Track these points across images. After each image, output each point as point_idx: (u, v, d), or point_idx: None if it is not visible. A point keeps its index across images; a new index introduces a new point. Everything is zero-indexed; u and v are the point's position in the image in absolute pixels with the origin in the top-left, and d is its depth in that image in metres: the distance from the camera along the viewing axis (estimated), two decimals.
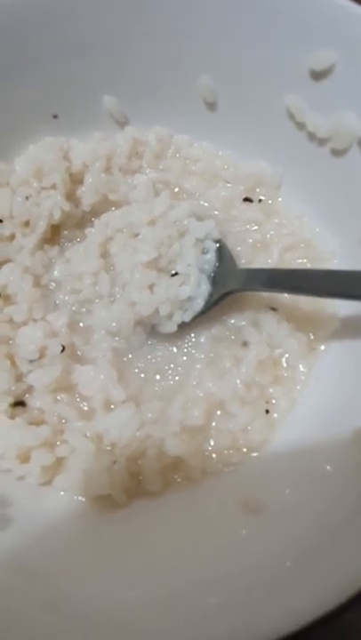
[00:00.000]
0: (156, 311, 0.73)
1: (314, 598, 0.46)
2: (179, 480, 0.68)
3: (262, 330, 0.76)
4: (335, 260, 0.80)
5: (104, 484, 0.64)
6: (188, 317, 0.74)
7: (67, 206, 0.77)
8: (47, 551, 0.59)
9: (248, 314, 0.77)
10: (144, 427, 0.68)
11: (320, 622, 0.45)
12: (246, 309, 0.77)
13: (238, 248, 0.81)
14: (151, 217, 0.76)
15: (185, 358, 0.76)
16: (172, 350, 0.76)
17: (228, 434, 0.70)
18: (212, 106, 0.83)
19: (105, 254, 0.77)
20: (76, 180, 0.81)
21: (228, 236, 0.80)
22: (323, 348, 0.76)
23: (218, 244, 0.77)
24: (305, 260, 0.81)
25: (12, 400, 0.70)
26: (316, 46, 0.68)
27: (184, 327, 0.75)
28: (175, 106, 0.84)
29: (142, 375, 0.75)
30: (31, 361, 0.71)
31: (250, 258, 0.80)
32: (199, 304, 0.74)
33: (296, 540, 0.55)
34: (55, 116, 0.83)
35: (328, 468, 0.62)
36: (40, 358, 0.71)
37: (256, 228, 0.83)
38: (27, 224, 0.77)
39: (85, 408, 0.71)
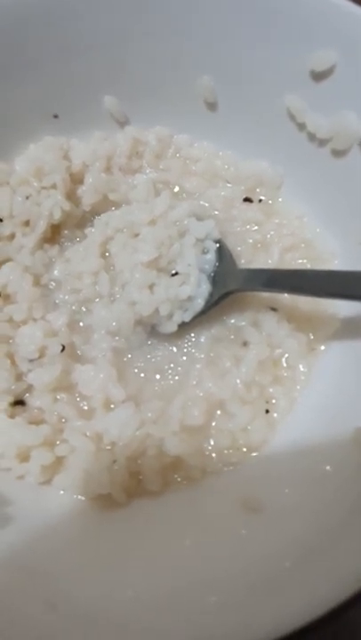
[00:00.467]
0: (156, 311, 0.73)
1: (313, 598, 0.46)
2: (178, 479, 0.68)
3: (262, 330, 0.76)
4: (335, 260, 0.80)
5: (104, 483, 0.64)
6: (188, 317, 0.74)
7: (67, 206, 0.77)
8: (47, 550, 0.59)
9: (248, 314, 0.77)
10: (144, 426, 0.68)
11: (320, 622, 0.45)
12: (246, 309, 0.77)
13: (238, 248, 0.81)
14: (151, 217, 0.76)
15: (185, 358, 0.76)
16: (172, 350, 0.76)
17: (228, 433, 0.70)
18: (212, 106, 0.83)
19: (105, 254, 0.77)
20: (76, 179, 0.82)
21: (228, 236, 0.80)
22: (323, 348, 0.76)
23: (218, 244, 0.77)
24: (305, 261, 0.81)
25: (11, 399, 0.70)
26: (317, 46, 0.68)
27: (184, 327, 0.75)
28: (175, 106, 0.84)
29: (142, 375, 0.75)
30: (31, 360, 0.71)
31: (250, 258, 0.80)
32: (199, 304, 0.74)
33: (296, 539, 0.55)
34: (55, 116, 0.83)
35: (328, 467, 0.62)
36: (40, 357, 0.71)
37: (256, 228, 0.83)
38: (27, 223, 0.77)
39: (85, 407, 0.71)
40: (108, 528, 0.63)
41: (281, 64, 0.72)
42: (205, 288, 0.74)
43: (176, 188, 0.86)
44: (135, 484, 0.66)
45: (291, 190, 0.85)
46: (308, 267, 0.80)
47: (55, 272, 0.79)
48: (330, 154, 0.75)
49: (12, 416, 0.69)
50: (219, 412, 0.72)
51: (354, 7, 0.65)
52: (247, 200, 0.85)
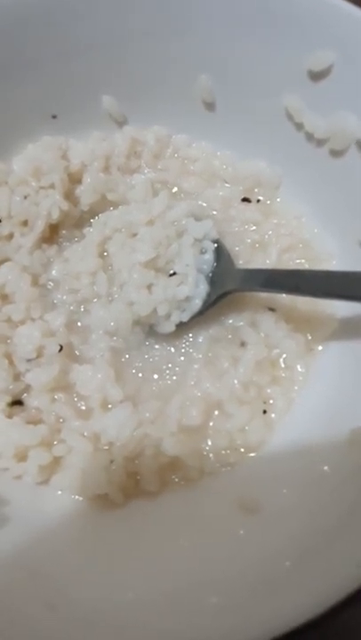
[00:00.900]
0: (154, 311, 0.73)
1: (312, 598, 0.46)
2: (176, 480, 0.68)
3: (260, 330, 0.76)
4: (334, 260, 0.80)
5: (101, 483, 0.64)
6: (185, 317, 0.74)
7: (65, 206, 0.77)
8: (45, 551, 0.59)
9: (246, 314, 0.77)
10: (141, 426, 0.68)
11: (318, 621, 0.45)
12: (244, 310, 0.77)
13: (237, 248, 0.81)
14: (149, 217, 0.76)
15: (183, 358, 0.76)
16: (170, 350, 0.76)
17: (226, 434, 0.70)
18: (210, 106, 0.83)
19: (103, 254, 0.77)
20: (74, 179, 0.81)
21: (226, 237, 0.80)
22: (321, 348, 0.76)
23: (216, 244, 0.76)
24: (303, 261, 0.81)
25: (9, 399, 0.70)
26: (315, 47, 0.68)
27: (182, 327, 0.75)
28: (174, 106, 0.84)
29: (140, 375, 0.75)
30: (29, 360, 0.71)
31: (248, 258, 0.80)
32: (197, 304, 0.74)
33: (293, 539, 0.55)
34: (54, 117, 0.83)
35: (325, 468, 0.62)
36: (38, 357, 0.71)
37: (254, 228, 0.83)
38: (25, 223, 0.77)
39: (83, 407, 0.71)
40: (106, 528, 0.63)
41: (279, 64, 0.72)
42: (203, 288, 0.74)
43: (174, 188, 0.86)
44: (133, 484, 0.66)
45: (289, 190, 0.85)
46: (307, 267, 0.80)
47: (53, 272, 0.79)
48: (328, 154, 0.75)
49: (9, 416, 0.69)
50: (216, 413, 0.72)
51: (352, 8, 0.65)
52: (245, 200, 0.85)
